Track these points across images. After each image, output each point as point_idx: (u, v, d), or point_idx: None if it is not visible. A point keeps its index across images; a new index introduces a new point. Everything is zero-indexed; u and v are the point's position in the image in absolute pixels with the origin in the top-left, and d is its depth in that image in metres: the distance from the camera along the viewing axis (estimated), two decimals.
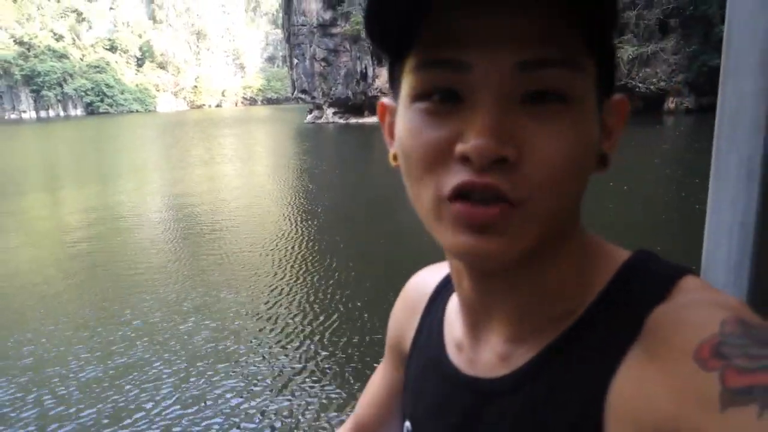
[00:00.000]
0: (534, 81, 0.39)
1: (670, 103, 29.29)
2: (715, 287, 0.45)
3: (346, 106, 41.84)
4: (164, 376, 4.35)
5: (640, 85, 29.32)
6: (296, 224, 10.19)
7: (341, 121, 41.42)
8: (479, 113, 0.39)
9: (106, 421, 3.80)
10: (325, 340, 4.94)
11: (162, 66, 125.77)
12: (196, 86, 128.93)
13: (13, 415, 3.91)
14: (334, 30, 41.73)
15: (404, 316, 0.67)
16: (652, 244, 6.73)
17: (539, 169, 0.39)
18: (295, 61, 45.46)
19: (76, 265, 7.93)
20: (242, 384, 4.25)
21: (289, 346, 4.89)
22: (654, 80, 29.14)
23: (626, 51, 28.99)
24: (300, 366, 4.50)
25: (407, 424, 0.60)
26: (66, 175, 20.07)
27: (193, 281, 6.77)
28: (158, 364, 4.56)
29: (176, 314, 5.62)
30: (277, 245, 8.35)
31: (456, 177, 0.40)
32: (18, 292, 6.84)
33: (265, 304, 5.89)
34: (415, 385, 0.60)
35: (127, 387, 4.21)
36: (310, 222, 10.29)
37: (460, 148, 0.39)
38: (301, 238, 8.95)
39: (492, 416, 0.50)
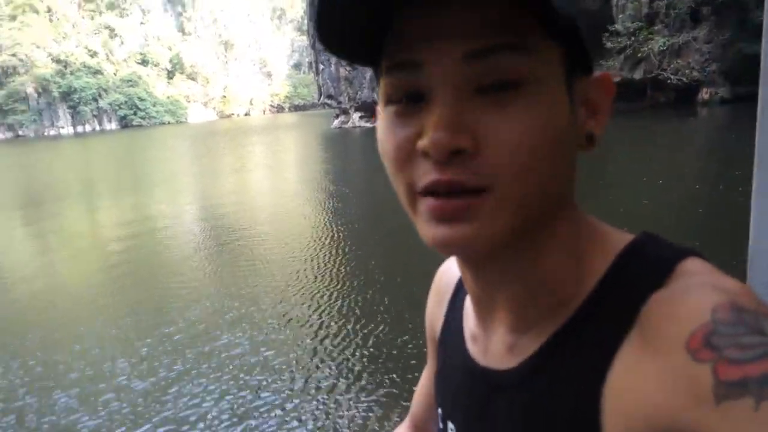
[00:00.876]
0: (486, 70, 0.40)
1: (704, 94, 28.45)
2: (765, 276, 0.39)
3: (372, 110, 41.87)
4: (210, 389, 4.45)
5: (672, 76, 28.59)
6: (332, 229, 10.30)
7: (367, 124, 41.60)
8: (434, 108, 0.40)
9: None
10: (370, 347, 4.96)
11: (192, 77, 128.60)
12: (224, 96, 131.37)
13: None
14: None
15: (435, 307, 0.68)
16: (692, 238, 6.59)
17: (500, 155, 0.40)
18: (321, 66, 45.91)
19: (114, 277, 8.18)
20: (288, 396, 4.31)
21: (333, 355, 4.93)
22: (686, 71, 28.36)
23: (656, 42, 28.31)
24: (346, 375, 4.53)
25: (439, 410, 0.62)
26: (104, 186, 20.71)
27: (232, 291, 6.90)
28: (203, 377, 4.67)
29: (218, 325, 5.75)
30: (314, 251, 8.45)
31: (423, 174, 0.42)
32: (61, 305, 7.13)
33: (307, 311, 5.96)
34: (444, 374, 0.62)
35: (174, 400, 4.33)
36: (346, 227, 10.38)
37: (420, 144, 0.41)
38: (338, 243, 9.04)
39: (504, 407, 0.51)
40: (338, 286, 6.73)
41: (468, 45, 0.39)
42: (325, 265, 7.70)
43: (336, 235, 9.73)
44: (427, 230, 0.43)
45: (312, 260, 7.99)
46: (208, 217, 12.84)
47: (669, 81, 28.63)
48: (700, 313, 0.38)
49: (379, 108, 0.47)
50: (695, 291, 0.40)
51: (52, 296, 7.63)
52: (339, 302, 6.19)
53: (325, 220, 11.46)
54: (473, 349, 0.56)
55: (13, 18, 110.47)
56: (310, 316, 5.83)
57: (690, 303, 0.39)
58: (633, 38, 28.66)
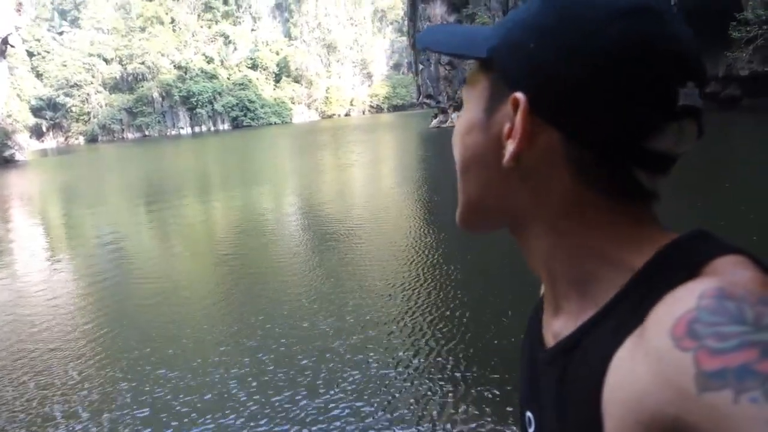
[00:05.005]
0: None
1: None
2: None
3: None
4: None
5: None
6: (433, 227, 10.37)
7: None
8: None
9: None
10: (477, 357, 4.83)
11: (296, 80, 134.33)
12: (327, 97, 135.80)
13: None
14: None
15: None
16: None
17: None
18: (420, 66, 46.10)
19: (224, 278, 8.78)
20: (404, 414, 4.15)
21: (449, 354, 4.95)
22: None
23: None
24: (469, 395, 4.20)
25: (521, 403, 0.65)
26: (221, 181, 22.27)
27: (340, 297, 7.02)
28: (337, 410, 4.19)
29: (334, 347, 5.80)
30: (418, 247, 8.58)
31: None
32: (178, 296, 7.80)
33: (431, 329, 5.74)
34: (524, 365, 0.65)
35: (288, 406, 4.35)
36: (445, 224, 10.42)
37: None
38: (440, 240, 9.10)
39: (546, 383, 0.55)
40: (439, 282, 6.79)
41: None
42: (429, 262, 7.78)
43: (436, 233, 9.78)
44: None
45: (415, 256, 8.11)
46: (313, 215, 13.42)
47: None
48: (688, 301, 0.38)
49: None
50: (698, 281, 0.40)
51: (169, 282, 8.39)
52: (440, 298, 6.25)
53: (425, 217, 11.55)
54: (541, 337, 0.60)
55: (143, 30, 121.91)
56: (431, 334, 5.65)
57: (683, 291, 0.40)
58: (765, 27, 25.92)
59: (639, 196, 0.50)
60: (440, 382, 4.34)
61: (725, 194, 9.67)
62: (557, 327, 0.55)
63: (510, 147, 0.50)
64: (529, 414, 0.60)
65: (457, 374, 4.44)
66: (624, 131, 0.46)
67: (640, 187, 0.49)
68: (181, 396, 4.49)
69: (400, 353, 4.91)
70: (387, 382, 4.43)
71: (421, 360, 4.75)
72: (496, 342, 4.89)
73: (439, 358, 4.74)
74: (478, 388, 4.17)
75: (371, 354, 4.91)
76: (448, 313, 5.72)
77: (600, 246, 0.50)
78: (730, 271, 0.41)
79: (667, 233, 0.49)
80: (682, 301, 0.39)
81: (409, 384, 4.37)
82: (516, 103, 0.49)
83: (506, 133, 0.51)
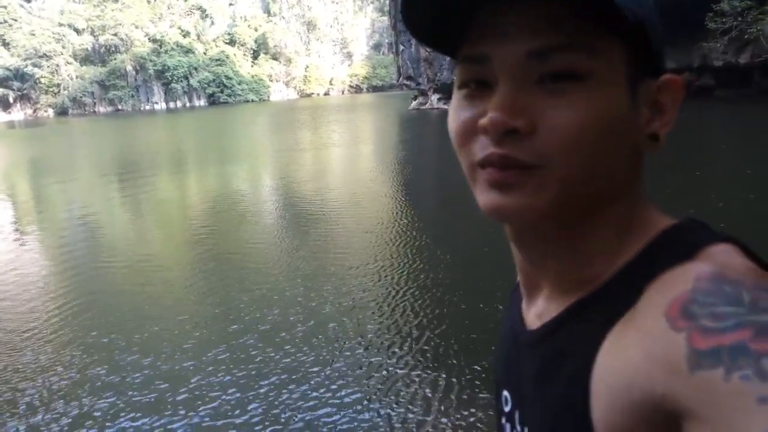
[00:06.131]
0: (546, 64, 0.44)
1: None
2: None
3: (451, 92, 41.30)
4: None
5: None
6: (410, 210, 10.37)
7: (445, 106, 40.99)
8: (497, 94, 0.45)
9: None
10: (452, 340, 4.90)
11: (275, 57, 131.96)
12: (306, 75, 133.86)
13: None
14: None
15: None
16: None
17: (551, 137, 0.44)
18: (401, 47, 45.69)
19: (201, 259, 8.62)
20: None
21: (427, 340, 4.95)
22: None
23: None
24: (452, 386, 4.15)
25: (496, 383, 0.65)
26: (197, 158, 21.86)
27: (311, 280, 7.03)
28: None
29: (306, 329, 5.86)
30: (394, 231, 8.57)
31: (482, 148, 0.46)
32: (153, 278, 7.67)
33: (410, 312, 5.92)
34: (500, 346, 0.65)
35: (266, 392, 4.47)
36: (422, 206, 10.42)
37: (480, 122, 0.46)
38: (415, 224, 9.10)
39: (527, 364, 0.54)
40: (415, 267, 6.81)
41: (530, 44, 0.44)
42: (413, 244, 7.80)
43: (413, 216, 9.79)
44: (482, 197, 0.47)
45: (399, 238, 8.12)
46: (290, 194, 13.30)
47: None
48: (683, 283, 0.39)
49: (454, 90, 0.51)
50: (693, 263, 0.41)
51: (145, 261, 8.25)
52: (415, 281, 6.26)
53: (408, 199, 11.55)
54: (521, 317, 0.60)
55: (116, 0, 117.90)
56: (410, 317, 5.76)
57: (678, 272, 0.40)
58: (740, 19, 26.28)
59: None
60: (427, 365, 4.36)
61: (695, 182, 9.88)
62: (540, 308, 0.55)
63: (663, 130, 0.48)
64: (506, 393, 0.60)
65: (444, 357, 4.46)
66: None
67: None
68: (154, 383, 4.40)
69: (386, 337, 4.91)
70: (373, 366, 4.43)
71: (408, 343, 4.76)
72: (482, 323, 4.92)
73: (426, 341, 4.75)
74: (466, 376, 4.18)
75: (356, 338, 4.91)
76: (432, 294, 5.74)
77: (627, 225, 0.49)
78: (725, 257, 0.41)
79: (665, 216, 0.50)
80: (678, 283, 0.39)
81: (395, 368, 4.38)
82: (672, 87, 0.48)
83: (647, 116, 0.47)
